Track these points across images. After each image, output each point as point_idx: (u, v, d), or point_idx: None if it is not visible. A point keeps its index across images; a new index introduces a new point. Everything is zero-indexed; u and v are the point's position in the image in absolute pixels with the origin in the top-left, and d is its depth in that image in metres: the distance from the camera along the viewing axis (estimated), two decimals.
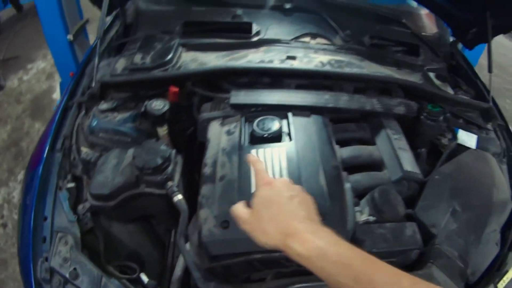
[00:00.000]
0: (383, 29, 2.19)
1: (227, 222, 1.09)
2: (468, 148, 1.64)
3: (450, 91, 1.93)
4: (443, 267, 1.19)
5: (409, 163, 1.44)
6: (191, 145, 1.72)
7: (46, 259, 1.13)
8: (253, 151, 1.30)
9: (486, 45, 2.07)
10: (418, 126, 1.70)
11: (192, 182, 1.46)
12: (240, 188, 1.18)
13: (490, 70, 1.94)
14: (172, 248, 1.46)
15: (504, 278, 1.29)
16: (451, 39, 2.35)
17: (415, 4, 2.48)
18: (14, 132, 3.73)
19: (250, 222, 0.85)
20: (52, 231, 1.19)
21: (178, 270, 1.26)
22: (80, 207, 1.28)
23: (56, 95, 4.14)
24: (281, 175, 1.22)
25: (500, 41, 6.88)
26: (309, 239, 0.75)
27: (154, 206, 1.33)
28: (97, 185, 1.23)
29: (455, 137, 1.71)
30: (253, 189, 1.16)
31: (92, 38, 3.58)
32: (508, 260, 1.34)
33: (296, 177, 1.21)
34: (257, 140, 1.37)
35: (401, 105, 1.67)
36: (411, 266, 1.26)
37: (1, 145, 3.58)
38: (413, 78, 1.94)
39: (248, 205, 0.89)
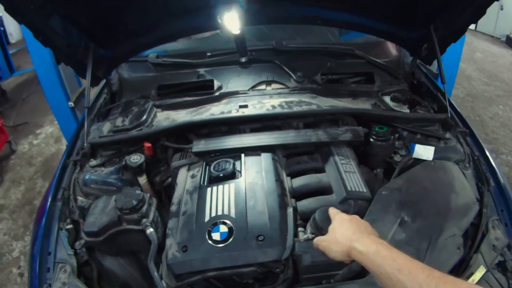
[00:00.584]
0: (336, 64, 2.40)
1: (185, 246, 1.37)
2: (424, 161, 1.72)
3: (405, 110, 2.05)
4: None
5: (354, 183, 1.58)
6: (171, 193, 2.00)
7: (50, 285, 1.42)
8: (209, 189, 1.59)
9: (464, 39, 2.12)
10: (369, 148, 1.84)
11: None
12: (197, 219, 1.47)
13: (443, 81, 2.05)
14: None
15: (469, 281, 1.32)
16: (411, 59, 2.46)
17: None
18: (28, 192, 4.10)
19: (327, 239, 1.15)
20: (55, 262, 1.49)
21: None
22: (77, 243, 1.59)
23: None
24: (229, 207, 1.48)
25: (488, 49, 7.09)
26: (367, 241, 1.01)
27: (136, 240, 1.60)
28: (88, 224, 1.55)
29: (408, 152, 1.81)
30: (206, 219, 1.45)
31: None
32: (472, 262, 1.39)
33: (241, 206, 1.47)
34: (214, 179, 1.65)
35: (347, 132, 1.83)
36: (357, 277, 1.36)
37: (16, 204, 3.95)
38: (368, 105, 2.11)
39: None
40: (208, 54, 2.57)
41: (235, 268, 1.33)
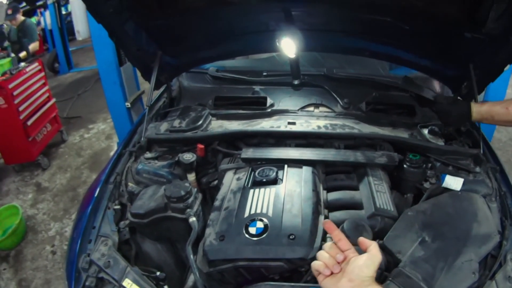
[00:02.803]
0: (381, 94, 2.49)
1: (223, 236, 1.49)
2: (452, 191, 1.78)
3: (441, 143, 2.10)
4: (402, 284, 1.31)
5: (383, 202, 1.67)
6: (215, 194, 2.09)
7: (89, 255, 1.52)
8: (251, 191, 1.71)
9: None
10: (401, 173, 1.93)
11: None
12: (237, 214, 1.59)
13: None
14: (190, 270, 1.70)
15: None
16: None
17: None
18: (73, 180, 4.35)
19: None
20: (98, 235, 1.61)
21: (189, 282, 1.65)
22: (121, 223, 1.72)
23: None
24: (268, 207, 1.60)
25: None
26: None
27: (177, 228, 1.73)
28: (136, 207, 1.69)
29: (438, 181, 1.87)
30: (245, 215, 1.57)
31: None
32: (485, 287, 1.42)
33: (279, 208, 1.59)
34: (257, 183, 1.78)
35: (383, 156, 1.92)
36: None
37: (60, 188, 4.19)
38: (405, 135, 2.17)
39: None
40: (264, 73, 2.75)
41: (264, 260, 1.43)
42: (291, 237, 1.46)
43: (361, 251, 1.22)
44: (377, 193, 1.74)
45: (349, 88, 2.60)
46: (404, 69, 2.73)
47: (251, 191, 1.72)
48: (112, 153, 4.77)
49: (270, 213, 1.58)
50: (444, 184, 1.84)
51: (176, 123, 2.22)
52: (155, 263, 1.76)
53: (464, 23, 1.92)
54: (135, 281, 1.45)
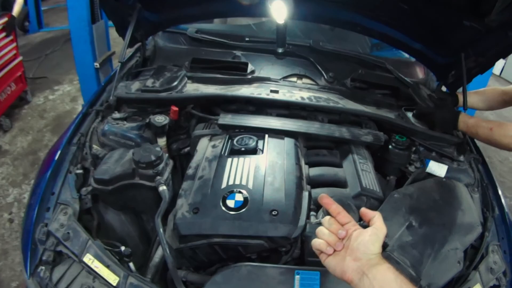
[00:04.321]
0: (366, 72, 2.42)
1: (197, 208, 1.36)
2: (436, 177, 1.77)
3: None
4: None
5: (369, 182, 1.62)
6: (186, 162, 1.98)
7: (46, 225, 1.36)
8: (229, 160, 1.59)
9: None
10: (386, 154, 1.89)
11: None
12: (213, 184, 1.46)
13: (465, 107, 2.06)
14: (156, 244, 1.62)
15: None
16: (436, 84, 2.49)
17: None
18: (34, 143, 4.09)
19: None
20: (57, 203, 1.45)
21: (156, 257, 1.51)
22: (83, 189, 1.55)
23: None
24: (248, 178, 1.48)
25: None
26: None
27: (144, 197, 1.59)
28: (100, 172, 1.52)
29: (423, 165, 1.85)
30: (223, 186, 1.45)
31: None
32: (471, 277, 1.43)
33: (260, 180, 1.48)
34: (235, 152, 1.66)
35: (369, 135, 1.87)
36: None
37: (21, 151, 3.94)
38: (390, 115, 2.13)
39: None
40: (247, 39, 2.59)
41: (243, 238, 1.32)
42: (273, 213, 1.36)
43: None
44: (362, 172, 1.68)
45: (335, 62, 2.53)
46: (384, 52, 2.73)
47: (229, 160, 1.60)
48: None
49: (250, 185, 1.46)
50: (428, 170, 1.82)
51: (149, 82, 2.04)
52: (118, 235, 1.62)
53: (466, 10, 1.86)
54: (97, 257, 1.30)
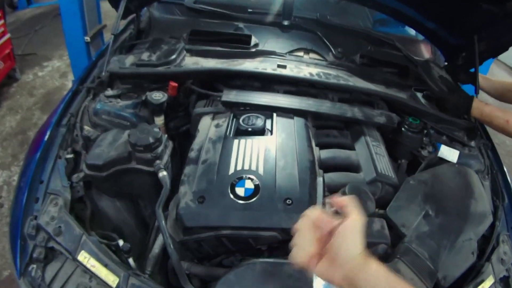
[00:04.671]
0: (375, 49, 2.31)
1: (203, 197, 1.23)
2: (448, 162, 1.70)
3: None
4: (411, 263, 1.23)
5: (384, 167, 1.52)
6: (185, 141, 1.86)
7: (36, 218, 1.23)
8: (236, 141, 1.45)
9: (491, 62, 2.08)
10: (399, 137, 1.78)
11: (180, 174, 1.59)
12: (219, 169, 1.32)
13: (476, 92, 2.03)
14: (155, 231, 1.52)
15: (480, 287, 1.34)
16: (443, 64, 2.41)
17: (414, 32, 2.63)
18: (23, 122, 3.91)
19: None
20: (46, 193, 1.30)
21: (156, 248, 1.36)
22: (74, 176, 1.40)
23: None
24: (257, 163, 1.35)
25: (505, 79, 7.02)
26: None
27: (142, 183, 1.45)
28: (93, 156, 1.37)
29: (435, 149, 1.77)
30: (230, 171, 1.31)
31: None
32: (484, 269, 1.39)
33: (271, 164, 1.35)
34: (242, 133, 1.52)
35: (382, 116, 1.76)
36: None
37: (9, 131, 3.75)
38: (400, 95, 2.02)
39: None
40: (249, 10, 2.40)
41: (255, 230, 1.20)
42: (287, 201, 1.24)
43: (367, 221, 0.94)
44: (376, 155, 1.57)
45: (342, 37, 2.38)
46: (389, 29, 2.63)
47: (235, 141, 1.46)
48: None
49: (260, 171, 1.33)
50: (440, 154, 1.75)
51: (144, 56, 1.86)
52: (113, 223, 1.48)
53: None
54: (93, 254, 1.17)
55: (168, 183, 1.31)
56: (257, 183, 1.28)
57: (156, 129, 1.41)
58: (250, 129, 1.52)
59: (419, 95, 2.07)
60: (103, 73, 1.76)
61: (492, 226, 1.54)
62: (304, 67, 2.00)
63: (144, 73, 1.76)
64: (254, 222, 1.20)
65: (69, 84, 4.32)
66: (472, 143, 1.87)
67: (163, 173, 1.33)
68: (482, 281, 1.35)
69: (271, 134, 1.53)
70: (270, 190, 1.26)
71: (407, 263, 1.23)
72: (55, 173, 1.37)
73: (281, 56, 2.11)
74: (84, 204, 1.42)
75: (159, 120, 1.68)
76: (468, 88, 2.08)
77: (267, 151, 1.41)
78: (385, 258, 1.28)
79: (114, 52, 2.00)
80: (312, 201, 1.27)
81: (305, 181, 1.32)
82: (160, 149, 1.39)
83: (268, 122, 1.60)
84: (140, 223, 1.59)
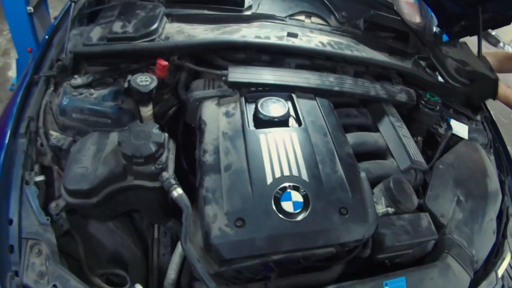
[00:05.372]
0: (378, 14, 2.11)
1: (242, 220, 0.97)
2: (460, 138, 1.67)
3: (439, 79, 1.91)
4: (457, 256, 1.21)
5: (414, 151, 1.42)
6: (174, 128, 1.55)
7: (17, 274, 0.94)
8: (262, 136, 1.16)
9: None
10: (416, 114, 1.67)
11: (178, 170, 1.28)
12: (253, 180, 1.04)
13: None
14: (156, 245, 1.33)
15: (503, 265, 1.35)
16: (435, 29, 2.32)
17: None
18: None
19: None
20: (21, 238, 0.99)
21: (171, 273, 1.13)
22: (52, 205, 1.09)
23: (12, 73, 3.75)
24: (298, 165, 1.11)
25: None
26: None
27: (143, 200, 1.14)
28: (74, 179, 1.03)
29: (449, 126, 1.71)
30: (268, 180, 1.05)
31: (53, 14, 3.25)
32: (505, 247, 1.40)
33: (313, 166, 1.13)
34: (263, 123, 1.23)
35: (402, 93, 1.64)
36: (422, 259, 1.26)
37: None
38: (406, 65, 1.91)
39: None
40: None
41: (311, 249, 1.03)
42: (342, 211, 1.06)
43: (416, 218, 1.20)
44: (405, 138, 1.46)
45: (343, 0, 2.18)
46: None
47: (262, 137, 1.18)
48: (10, 73, 3.84)
49: (304, 175, 1.10)
50: (453, 131, 1.71)
51: (116, 26, 1.45)
52: (109, 250, 1.23)
53: None
54: None
55: (189, 206, 1.02)
56: (304, 193, 1.05)
57: (156, 130, 1.06)
58: (276, 119, 1.22)
59: (423, 64, 1.97)
60: (65, 55, 1.35)
61: (502, 201, 1.54)
62: (312, 35, 1.78)
63: (121, 50, 1.37)
64: (310, 242, 1.01)
65: (13, 63, 3.78)
66: (478, 117, 1.85)
67: (178, 192, 1.02)
68: (504, 259, 1.37)
69: (299, 124, 1.27)
70: (321, 200, 1.06)
71: (454, 257, 1.21)
72: (25, 207, 1.04)
73: (281, 21, 1.86)
74: (71, 237, 1.13)
75: (147, 110, 1.31)
76: None
77: (303, 148, 1.16)
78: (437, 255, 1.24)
79: (72, 22, 1.56)
80: (365, 206, 1.10)
81: (354, 182, 1.15)
82: (164, 156, 1.06)
83: (289, 106, 1.33)
84: (138, 239, 1.35)
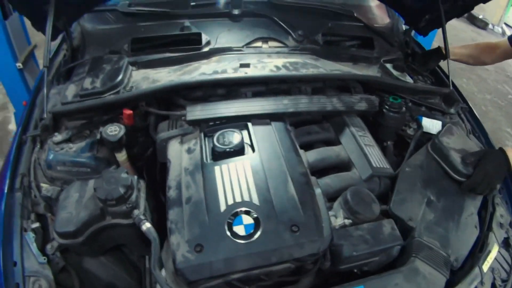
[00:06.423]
0: (335, 25, 2.17)
1: (200, 245, 1.09)
2: (433, 135, 1.64)
3: (409, 80, 1.94)
4: (427, 258, 1.21)
5: (377, 159, 1.46)
6: (152, 166, 1.69)
7: None
8: (217, 168, 1.29)
9: (437, 30, 2.13)
10: (381, 119, 1.70)
11: (158, 204, 1.44)
12: (209, 208, 1.17)
13: (447, 55, 1.97)
14: (148, 274, 1.43)
15: (488, 259, 1.33)
16: (404, 27, 2.36)
17: None
18: None
19: None
20: (24, 276, 1.15)
21: None
22: (48, 246, 1.25)
23: (12, 126, 3.93)
24: (249, 191, 1.21)
25: (451, 23, 7.21)
26: None
27: (123, 235, 1.30)
28: (62, 223, 1.19)
29: (419, 125, 1.73)
30: (222, 208, 1.16)
31: (41, 63, 3.42)
32: (489, 240, 1.37)
33: (264, 190, 1.21)
34: (220, 155, 1.36)
35: (362, 101, 1.67)
36: (392, 262, 1.28)
37: None
38: (371, 71, 1.95)
39: None
40: (192, 3, 2.14)
41: (266, 267, 1.11)
42: (293, 228, 1.13)
43: (376, 226, 1.21)
44: (366, 147, 1.50)
45: (299, 18, 2.20)
46: None
47: (216, 168, 1.30)
48: (10, 127, 4.03)
49: (255, 200, 1.19)
50: (425, 129, 1.73)
51: (87, 83, 1.63)
52: (103, 282, 1.36)
53: None
54: None
55: (156, 237, 1.16)
56: (255, 215, 1.15)
57: (124, 174, 1.23)
58: (228, 150, 1.35)
59: (389, 66, 2.00)
60: (45, 114, 1.52)
61: None
62: (267, 60, 1.85)
63: (91, 106, 1.54)
64: (264, 260, 1.09)
65: (11, 117, 3.96)
66: (452, 110, 1.84)
67: (146, 226, 1.18)
68: (489, 252, 1.34)
69: (253, 150, 1.38)
70: (271, 220, 1.14)
71: (423, 259, 1.21)
72: (26, 250, 1.21)
73: (239, 51, 1.95)
74: (67, 272, 1.28)
75: (121, 156, 1.48)
76: None
77: (255, 174, 1.27)
78: (399, 257, 1.27)
79: (51, 82, 1.75)
80: (318, 221, 1.17)
81: (305, 200, 1.21)
82: (134, 196, 1.23)
83: (245, 134, 1.45)
84: (131, 269, 1.46)
